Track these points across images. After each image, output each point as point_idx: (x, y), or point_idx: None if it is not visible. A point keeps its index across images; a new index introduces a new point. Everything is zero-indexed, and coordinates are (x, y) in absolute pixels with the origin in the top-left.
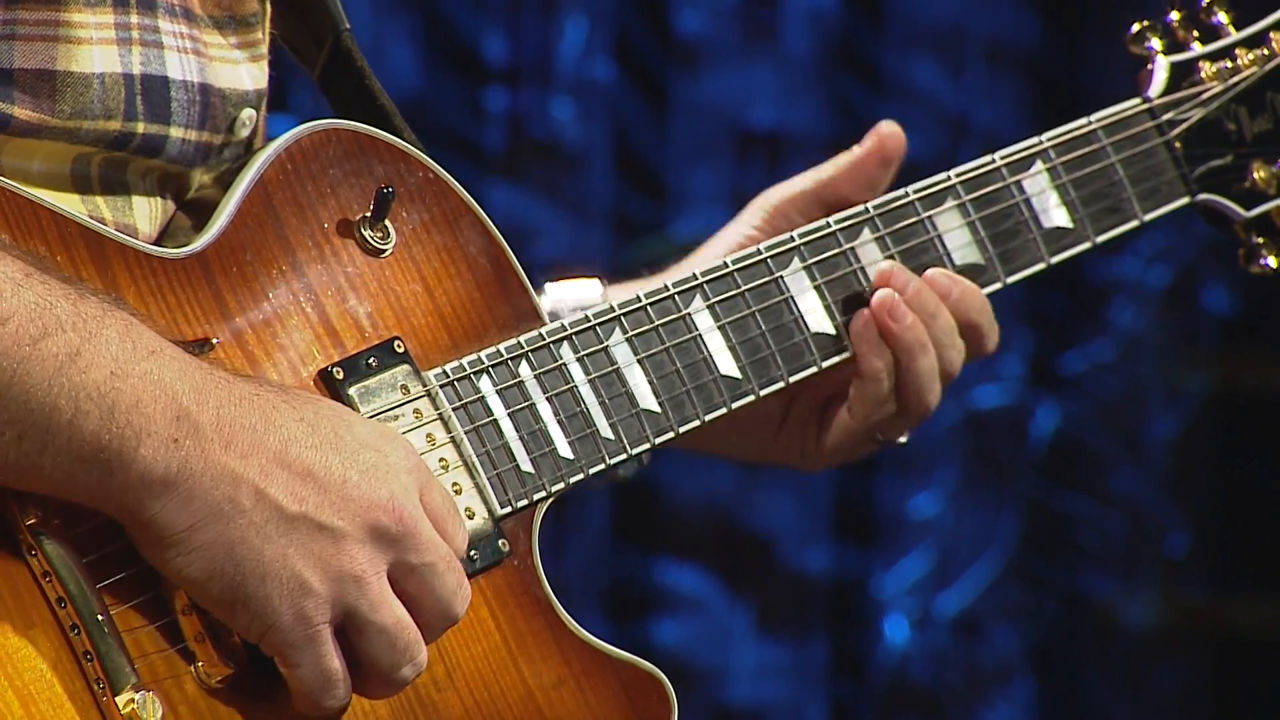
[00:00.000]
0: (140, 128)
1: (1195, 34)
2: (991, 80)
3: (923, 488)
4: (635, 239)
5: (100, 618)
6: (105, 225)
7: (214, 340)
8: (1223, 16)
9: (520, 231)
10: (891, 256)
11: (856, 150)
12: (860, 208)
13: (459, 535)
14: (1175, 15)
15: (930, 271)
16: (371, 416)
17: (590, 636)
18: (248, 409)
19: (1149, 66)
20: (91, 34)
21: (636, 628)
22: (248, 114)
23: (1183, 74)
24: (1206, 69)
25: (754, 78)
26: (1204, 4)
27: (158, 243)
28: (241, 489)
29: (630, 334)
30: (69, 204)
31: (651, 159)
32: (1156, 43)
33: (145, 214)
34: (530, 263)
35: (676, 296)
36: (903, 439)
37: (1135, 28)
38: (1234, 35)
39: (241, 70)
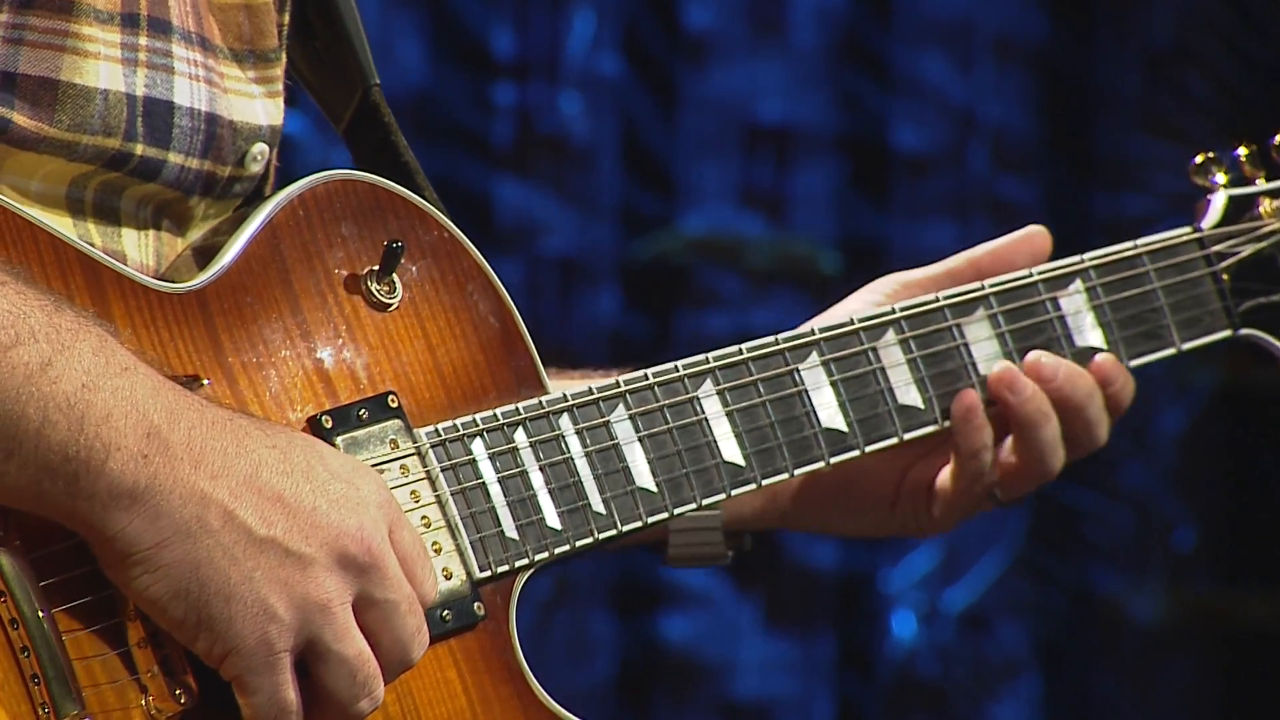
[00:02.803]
0: (139, 149)
1: (1263, 172)
2: (1000, 75)
3: None
4: (643, 234)
5: (52, 642)
6: (94, 249)
7: (205, 381)
8: None
9: (528, 226)
10: (914, 360)
11: (998, 241)
12: (886, 308)
13: (427, 580)
14: (1243, 151)
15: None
16: None
17: (559, 708)
18: (220, 432)
19: (1207, 197)
20: (100, 49)
21: (645, 623)
22: (259, 149)
23: (1240, 208)
24: (1266, 205)
25: (762, 72)
26: (1276, 142)
27: (157, 276)
28: (210, 509)
29: (634, 411)
30: (60, 225)
31: (659, 154)
32: (1221, 176)
33: (134, 241)
34: (538, 257)
35: (686, 379)
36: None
37: (1199, 159)
38: None
39: (257, 105)
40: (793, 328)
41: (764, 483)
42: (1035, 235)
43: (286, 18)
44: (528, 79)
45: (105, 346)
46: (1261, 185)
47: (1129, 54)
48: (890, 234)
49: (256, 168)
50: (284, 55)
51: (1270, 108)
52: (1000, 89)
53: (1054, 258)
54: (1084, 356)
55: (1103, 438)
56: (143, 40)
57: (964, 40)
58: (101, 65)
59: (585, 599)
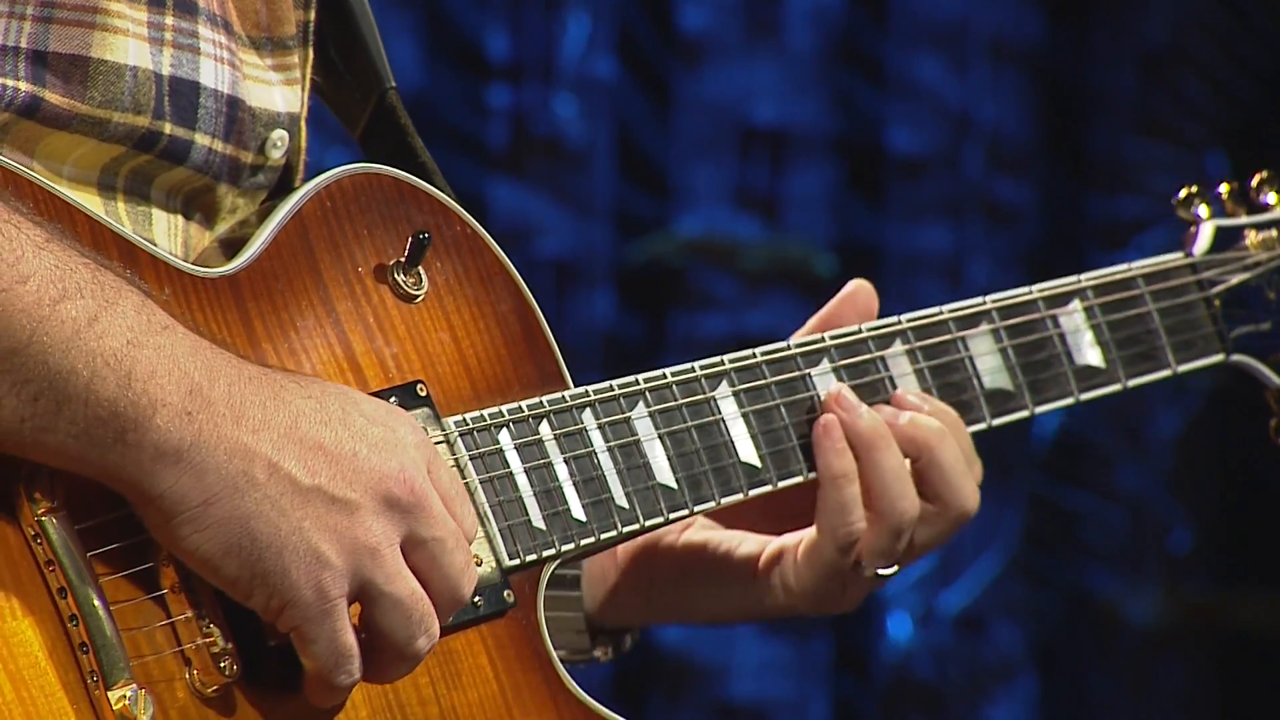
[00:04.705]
0: (167, 129)
1: (1244, 208)
2: (995, 77)
3: None
4: (638, 236)
5: (100, 612)
6: (129, 232)
7: None
8: (1272, 196)
9: (523, 228)
10: (921, 371)
11: (828, 305)
12: (893, 319)
13: (469, 516)
14: (1224, 188)
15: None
16: None
17: (587, 697)
18: (257, 387)
19: (1192, 230)
20: (128, 26)
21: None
22: (278, 135)
23: (1228, 238)
24: (1252, 237)
25: (757, 74)
26: (1254, 183)
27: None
28: (255, 463)
29: (653, 408)
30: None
31: (654, 156)
32: (1204, 210)
33: (164, 230)
34: (533, 260)
35: (703, 379)
36: (891, 569)
37: (1182, 194)
38: None
39: (275, 92)
40: (788, 330)
41: (780, 484)
42: (859, 291)
43: (312, 14)
44: (522, 81)
45: (146, 305)
46: (1245, 219)
47: (1124, 55)
48: (885, 236)
49: (277, 155)
50: (310, 53)
51: (1265, 109)
52: (995, 91)
53: (1050, 261)
54: (1083, 375)
55: (953, 481)
56: (169, 20)
57: (959, 42)
58: (130, 42)
59: None
